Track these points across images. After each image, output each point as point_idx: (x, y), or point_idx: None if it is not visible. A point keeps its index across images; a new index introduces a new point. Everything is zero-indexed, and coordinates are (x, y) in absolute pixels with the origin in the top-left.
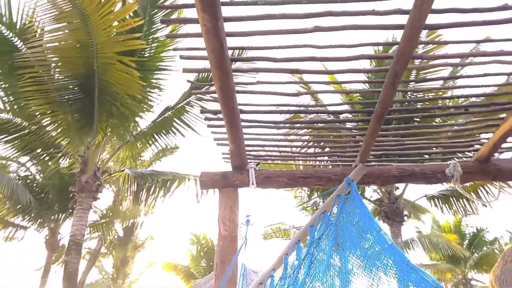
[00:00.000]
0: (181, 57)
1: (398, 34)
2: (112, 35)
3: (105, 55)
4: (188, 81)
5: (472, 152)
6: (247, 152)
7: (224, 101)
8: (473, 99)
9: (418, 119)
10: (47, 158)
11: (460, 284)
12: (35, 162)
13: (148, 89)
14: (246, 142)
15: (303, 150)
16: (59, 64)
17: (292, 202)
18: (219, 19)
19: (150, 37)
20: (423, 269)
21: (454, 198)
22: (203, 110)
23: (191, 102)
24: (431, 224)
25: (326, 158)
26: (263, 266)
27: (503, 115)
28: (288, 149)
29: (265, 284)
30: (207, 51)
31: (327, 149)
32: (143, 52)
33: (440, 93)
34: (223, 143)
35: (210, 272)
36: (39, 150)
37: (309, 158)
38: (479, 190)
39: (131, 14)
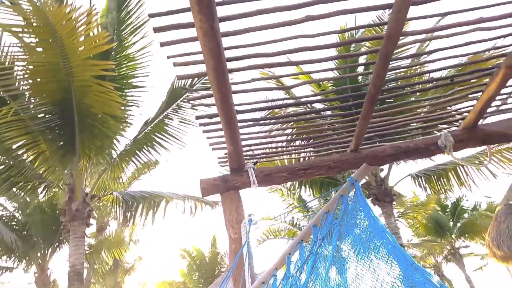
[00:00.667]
0: (175, 64)
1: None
2: (85, 58)
3: (81, 77)
4: (183, 88)
5: (459, 121)
6: (243, 153)
7: (221, 103)
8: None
9: (403, 97)
10: (29, 191)
11: (449, 254)
12: (12, 199)
13: (125, 108)
14: (242, 143)
15: (297, 143)
16: (34, 91)
17: (279, 200)
18: (215, 20)
19: (123, 54)
20: (413, 249)
21: (435, 177)
22: (199, 116)
23: (169, 114)
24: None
25: (322, 148)
26: (264, 266)
27: (486, 81)
28: (283, 144)
29: (267, 283)
30: (203, 53)
31: (321, 139)
32: (116, 72)
33: (422, 68)
34: (220, 147)
35: (204, 284)
36: (20, 184)
37: (304, 150)
38: (459, 168)
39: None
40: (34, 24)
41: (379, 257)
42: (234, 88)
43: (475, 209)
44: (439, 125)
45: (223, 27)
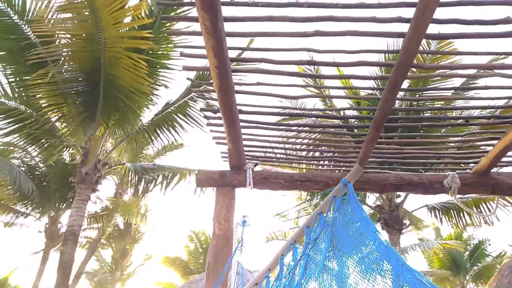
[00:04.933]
0: (182, 54)
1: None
2: (121, 30)
3: (113, 49)
4: (188, 79)
5: (472, 164)
6: (246, 153)
7: (222, 100)
8: (476, 111)
9: (422, 129)
10: (50, 147)
11: None
12: (39, 150)
13: (154, 86)
14: (245, 143)
15: (302, 153)
16: (68, 56)
17: (294, 203)
18: (219, 18)
19: (160, 35)
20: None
21: (454, 211)
22: (203, 108)
23: (194, 97)
24: (434, 234)
25: (325, 162)
26: (260, 266)
27: (504, 129)
28: (287, 151)
29: (260, 284)
30: (206, 50)
31: (326, 153)
32: (152, 49)
33: (442, 103)
34: (222, 142)
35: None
36: (44, 139)
37: (307, 161)
38: (481, 206)
39: (146, 12)
40: None
41: (371, 257)
42: (240, 88)
43: (499, 256)
44: (450, 164)
45: (231, 27)
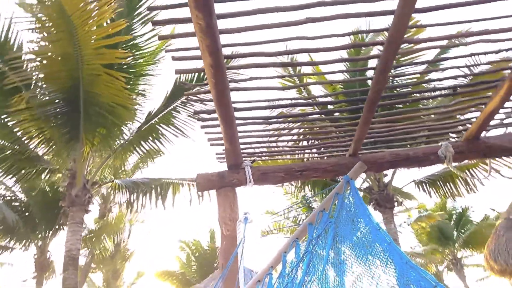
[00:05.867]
0: (173, 58)
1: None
2: (96, 47)
3: (91, 66)
4: (182, 83)
5: (461, 132)
6: (242, 150)
7: (218, 99)
8: (460, 79)
9: (406, 104)
10: (34, 175)
11: (451, 264)
12: (18, 180)
13: (133, 97)
14: (240, 140)
15: (297, 143)
16: (44, 78)
17: (283, 197)
18: (212, 16)
19: (130, 43)
20: (415, 258)
21: (440, 182)
22: (197, 111)
23: (176, 107)
24: (420, 210)
25: (320, 150)
26: (261, 265)
27: (490, 93)
28: (282, 144)
29: (263, 282)
30: (201, 50)
31: (320, 141)
32: (124, 61)
33: (427, 77)
34: (218, 143)
35: (203, 276)
36: (25, 169)
37: (303, 151)
38: (465, 173)
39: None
40: (49, 15)
41: (375, 255)
42: (234, 85)
43: (484, 220)
44: (440, 135)
45: (223, 24)
